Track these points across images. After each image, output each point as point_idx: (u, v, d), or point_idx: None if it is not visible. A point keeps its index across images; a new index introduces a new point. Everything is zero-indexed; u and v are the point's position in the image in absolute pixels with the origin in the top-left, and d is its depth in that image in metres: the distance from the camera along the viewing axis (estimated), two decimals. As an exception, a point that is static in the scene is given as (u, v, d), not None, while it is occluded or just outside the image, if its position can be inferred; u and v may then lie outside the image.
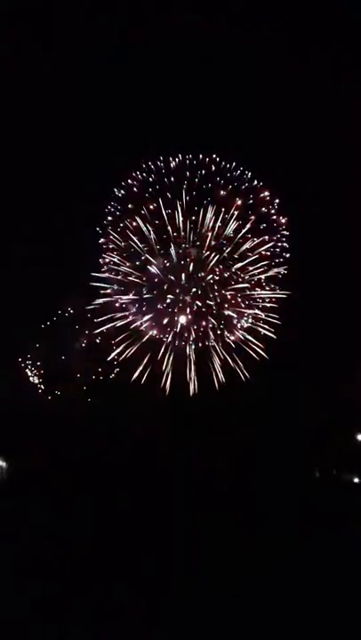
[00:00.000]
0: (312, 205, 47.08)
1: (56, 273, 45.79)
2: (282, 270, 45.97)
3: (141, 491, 32.14)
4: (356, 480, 39.55)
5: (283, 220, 46.37)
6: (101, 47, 45.23)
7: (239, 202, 44.59)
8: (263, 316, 45.82)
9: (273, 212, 46.52)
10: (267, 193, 46.27)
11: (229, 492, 33.57)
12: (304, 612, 19.73)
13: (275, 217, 46.54)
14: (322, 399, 43.76)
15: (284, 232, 46.31)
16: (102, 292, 45.88)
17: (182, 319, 44.15)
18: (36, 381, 48.84)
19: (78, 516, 28.85)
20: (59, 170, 46.83)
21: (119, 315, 45.54)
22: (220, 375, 44.81)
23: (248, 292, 45.71)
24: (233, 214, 44.84)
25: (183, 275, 44.87)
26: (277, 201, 46.44)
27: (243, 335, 45.08)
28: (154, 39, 45.06)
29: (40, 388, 48.66)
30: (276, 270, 45.82)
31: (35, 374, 48.93)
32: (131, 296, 45.56)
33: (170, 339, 45.17)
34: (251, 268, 45.21)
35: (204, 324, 44.22)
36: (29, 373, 48.75)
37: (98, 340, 46.88)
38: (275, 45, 44.86)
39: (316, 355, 44.85)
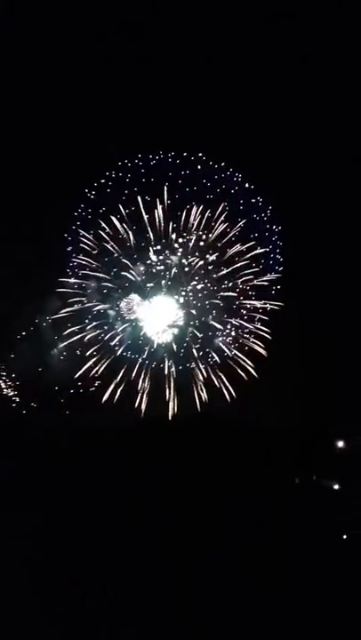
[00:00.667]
0: (307, 215, 45.52)
1: (34, 278, 43.91)
2: (272, 277, 43.96)
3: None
4: (336, 486, 39.33)
5: (275, 229, 44.16)
6: (84, 39, 43.99)
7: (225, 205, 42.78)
8: (252, 329, 43.50)
9: (265, 219, 44.24)
10: (259, 198, 43.99)
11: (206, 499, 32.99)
12: (287, 618, 19.26)
13: (267, 225, 44.21)
14: (302, 406, 43.72)
15: (277, 242, 44.32)
16: (71, 300, 43.36)
17: (163, 337, 41.55)
18: (10, 394, 46.66)
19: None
20: (28, 170, 45.00)
21: (92, 325, 43.44)
22: (204, 395, 42.47)
23: (236, 302, 43.28)
24: (219, 218, 42.77)
25: (163, 282, 42.60)
26: (270, 208, 44.33)
27: (229, 350, 42.72)
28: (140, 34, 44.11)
29: (15, 401, 46.36)
30: (265, 279, 43.77)
31: (9, 386, 46.74)
32: (103, 305, 43.64)
33: (145, 356, 42.56)
34: (237, 276, 43.13)
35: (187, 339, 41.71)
36: (3, 385, 46.51)
37: (78, 352, 44.27)
38: (269, 41, 43.90)
39: (298, 361, 44.60)
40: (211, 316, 43.71)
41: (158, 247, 42.44)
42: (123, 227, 43.26)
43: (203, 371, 43.05)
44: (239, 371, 43.13)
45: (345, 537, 30.21)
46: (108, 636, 17.88)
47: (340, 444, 43.41)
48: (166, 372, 43.23)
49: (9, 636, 17.27)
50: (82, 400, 43.87)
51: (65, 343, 43.52)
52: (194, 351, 43.76)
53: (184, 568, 23.28)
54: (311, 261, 45.44)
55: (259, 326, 43.81)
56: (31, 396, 45.34)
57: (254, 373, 42.91)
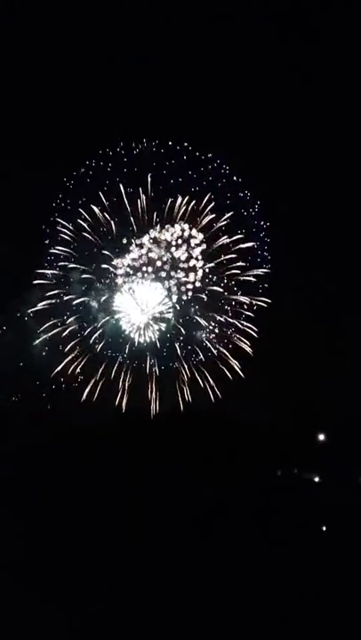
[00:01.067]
0: (295, 210, 44.98)
1: (11, 270, 42.83)
2: (259, 272, 43.06)
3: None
4: (316, 479, 39.91)
5: (263, 225, 43.03)
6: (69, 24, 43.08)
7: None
8: (238, 326, 42.74)
9: (253, 214, 43.10)
10: (246, 192, 42.81)
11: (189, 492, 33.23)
12: (271, 613, 19.50)
13: (255, 221, 43.19)
14: (284, 400, 44.05)
15: (265, 238, 43.14)
16: (51, 292, 42.03)
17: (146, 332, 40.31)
18: None
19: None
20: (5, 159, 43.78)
21: (72, 318, 42.51)
22: (187, 394, 41.60)
23: (221, 299, 42.39)
24: (205, 210, 41.84)
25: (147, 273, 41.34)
26: (258, 202, 43.27)
27: (213, 348, 41.84)
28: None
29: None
30: (252, 274, 43.02)
31: None
32: (84, 298, 42.29)
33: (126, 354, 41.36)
34: (223, 270, 42.25)
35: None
36: None
37: (60, 347, 43.07)
38: (260, 32, 43.24)
39: (281, 356, 44.77)
40: (194, 310, 42.99)
41: (142, 239, 41.37)
42: (104, 217, 42.19)
43: (186, 370, 42.39)
44: (224, 369, 42.70)
45: (324, 528, 30.71)
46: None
47: (321, 437, 43.97)
48: (148, 372, 42.35)
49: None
50: (63, 396, 42.74)
51: (43, 337, 42.26)
52: (177, 348, 43.01)
53: (172, 561, 23.44)
54: (299, 258, 45.50)
55: (245, 323, 43.22)
56: (11, 391, 44.05)
57: (240, 372, 42.48)
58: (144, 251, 42.09)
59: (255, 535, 26.95)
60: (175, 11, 42.97)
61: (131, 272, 42.76)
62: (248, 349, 42.91)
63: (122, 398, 42.16)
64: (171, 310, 43.14)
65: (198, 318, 43.15)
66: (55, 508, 28.94)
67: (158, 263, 42.57)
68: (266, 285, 43.20)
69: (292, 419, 44.01)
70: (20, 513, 28.31)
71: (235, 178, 42.98)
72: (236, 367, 43.05)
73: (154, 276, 42.27)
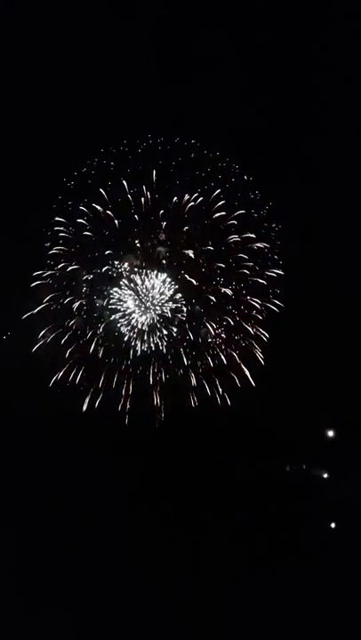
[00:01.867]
0: (308, 213, 44.09)
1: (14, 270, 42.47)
2: (271, 273, 41.73)
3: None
4: (325, 475, 39.81)
5: (275, 227, 41.69)
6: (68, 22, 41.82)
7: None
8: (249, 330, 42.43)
9: (264, 215, 41.71)
10: (257, 192, 41.58)
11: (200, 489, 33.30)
12: (280, 607, 19.53)
13: (265, 223, 42.02)
14: (293, 396, 43.84)
15: (276, 241, 41.83)
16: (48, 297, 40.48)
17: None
18: None
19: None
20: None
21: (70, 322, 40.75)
22: (194, 400, 41.21)
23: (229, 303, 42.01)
24: (213, 207, 41.48)
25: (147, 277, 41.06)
26: (270, 204, 41.81)
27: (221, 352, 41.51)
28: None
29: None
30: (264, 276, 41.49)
31: None
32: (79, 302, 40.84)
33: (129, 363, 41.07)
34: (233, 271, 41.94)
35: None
36: None
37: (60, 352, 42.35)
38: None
39: (290, 355, 44.46)
40: (200, 311, 42.70)
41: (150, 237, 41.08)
42: (107, 216, 41.79)
43: (193, 377, 41.97)
44: (234, 376, 42.31)
45: (333, 525, 30.68)
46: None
47: (330, 433, 43.78)
48: (152, 381, 41.83)
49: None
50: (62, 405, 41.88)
51: (42, 342, 41.56)
52: (183, 355, 42.74)
53: (179, 557, 23.52)
54: (311, 262, 44.86)
55: (256, 327, 43.00)
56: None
57: (251, 380, 42.13)
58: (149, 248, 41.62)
59: (263, 530, 26.99)
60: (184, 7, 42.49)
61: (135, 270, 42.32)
62: (259, 354, 42.62)
63: (124, 406, 41.48)
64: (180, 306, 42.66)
65: (207, 322, 42.68)
66: (56, 519, 28.84)
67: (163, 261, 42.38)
68: (277, 291, 42.80)
69: (300, 415, 43.89)
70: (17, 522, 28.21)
71: (245, 177, 42.22)
72: (245, 372, 42.60)
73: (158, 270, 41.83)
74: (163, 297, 42.37)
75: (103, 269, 41.69)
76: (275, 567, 22.90)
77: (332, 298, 43.66)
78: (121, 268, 41.90)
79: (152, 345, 41.55)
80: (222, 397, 41.63)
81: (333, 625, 18.12)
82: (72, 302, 41.20)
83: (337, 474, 38.68)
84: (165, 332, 41.82)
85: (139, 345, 41.51)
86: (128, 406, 40.58)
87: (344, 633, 17.71)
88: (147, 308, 42.14)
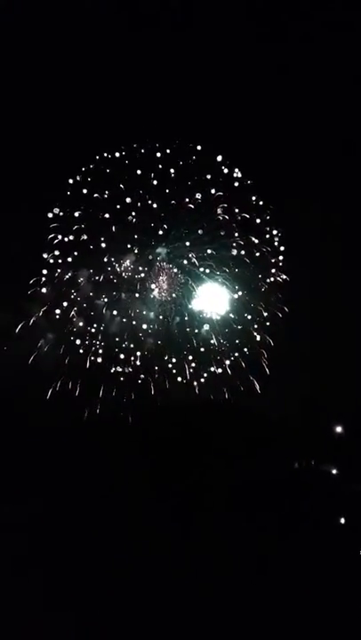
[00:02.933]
0: (310, 218, 44.14)
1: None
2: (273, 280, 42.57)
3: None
4: (334, 471, 39.95)
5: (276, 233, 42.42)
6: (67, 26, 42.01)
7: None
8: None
9: (266, 220, 42.44)
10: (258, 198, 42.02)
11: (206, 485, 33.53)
12: (289, 605, 19.74)
13: (267, 227, 42.64)
14: (301, 391, 43.97)
15: (279, 247, 42.54)
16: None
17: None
18: None
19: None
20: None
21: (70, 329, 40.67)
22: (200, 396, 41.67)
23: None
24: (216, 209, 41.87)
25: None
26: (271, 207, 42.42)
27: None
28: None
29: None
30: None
31: None
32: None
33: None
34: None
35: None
36: None
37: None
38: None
39: (297, 347, 44.59)
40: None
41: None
42: (104, 219, 41.57)
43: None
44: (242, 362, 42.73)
45: (343, 520, 30.85)
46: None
47: (339, 429, 43.87)
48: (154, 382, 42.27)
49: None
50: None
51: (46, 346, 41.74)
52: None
53: (184, 554, 23.73)
54: (313, 267, 44.96)
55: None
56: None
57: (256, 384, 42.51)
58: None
59: (273, 527, 27.18)
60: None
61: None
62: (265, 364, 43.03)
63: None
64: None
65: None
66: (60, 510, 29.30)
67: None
68: (280, 295, 43.28)
69: (308, 410, 44.02)
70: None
71: (247, 182, 42.64)
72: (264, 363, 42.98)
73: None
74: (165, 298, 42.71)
75: (103, 275, 41.97)
76: (284, 562, 23.12)
77: (340, 294, 43.79)
78: (122, 269, 42.03)
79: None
80: (230, 394, 42.12)
81: (344, 620, 18.37)
82: (71, 309, 41.56)
83: (346, 469, 38.85)
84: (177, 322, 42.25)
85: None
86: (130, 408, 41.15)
87: (355, 628, 17.94)
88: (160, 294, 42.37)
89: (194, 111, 43.07)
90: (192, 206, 41.85)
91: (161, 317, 42.14)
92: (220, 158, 42.34)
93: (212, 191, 41.70)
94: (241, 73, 43.08)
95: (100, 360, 41.02)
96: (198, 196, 41.57)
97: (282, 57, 42.87)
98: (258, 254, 42.43)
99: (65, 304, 41.29)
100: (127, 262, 41.99)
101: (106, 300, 41.68)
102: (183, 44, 42.64)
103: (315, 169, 43.96)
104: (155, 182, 41.88)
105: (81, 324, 41.33)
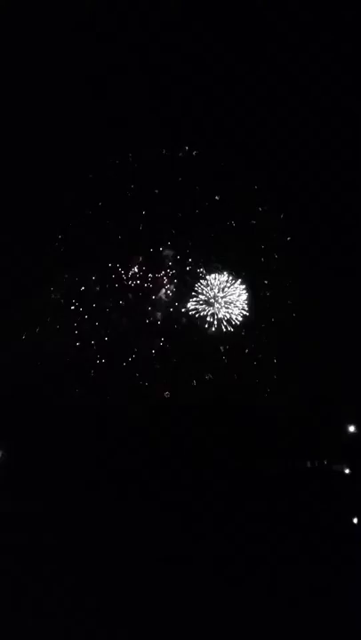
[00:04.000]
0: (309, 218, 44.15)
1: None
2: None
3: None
4: (346, 471, 39.50)
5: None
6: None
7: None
8: None
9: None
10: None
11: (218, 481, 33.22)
12: (302, 603, 19.25)
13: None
14: (313, 390, 43.59)
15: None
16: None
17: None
18: None
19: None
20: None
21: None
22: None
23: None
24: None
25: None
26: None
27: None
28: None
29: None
30: None
31: None
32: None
33: None
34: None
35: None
36: None
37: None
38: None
39: (308, 345, 44.34)
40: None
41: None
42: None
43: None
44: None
45: (356, 520, 30.34)
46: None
47: (351, 428, 43.42)
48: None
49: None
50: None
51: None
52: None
53: (185, 553, 23.42)
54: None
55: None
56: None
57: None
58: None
59: (284, 527, 26.81)
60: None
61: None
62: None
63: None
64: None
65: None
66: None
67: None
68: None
69: (321, 409, 43.64)
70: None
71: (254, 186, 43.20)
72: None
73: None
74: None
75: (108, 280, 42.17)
76: (295, 562, 22.69)
77: (350, 293, 43.43)
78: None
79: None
80: (241, 393, 41.86)
81: (356, 621, 17.84)
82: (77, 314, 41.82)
83: (358, 469, 38.41)
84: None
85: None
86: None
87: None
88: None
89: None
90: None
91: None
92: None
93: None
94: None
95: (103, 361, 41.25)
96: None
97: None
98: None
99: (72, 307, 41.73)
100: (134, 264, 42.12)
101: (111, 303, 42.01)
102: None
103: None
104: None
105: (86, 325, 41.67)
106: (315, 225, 43.48)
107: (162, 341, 41.80)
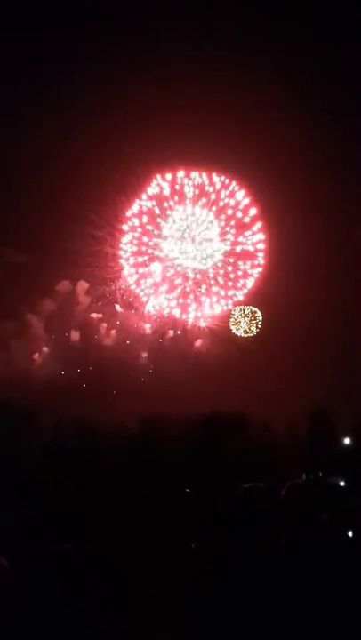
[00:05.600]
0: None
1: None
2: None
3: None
4: (342, 483, 39.32)
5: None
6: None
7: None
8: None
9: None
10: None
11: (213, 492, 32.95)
12: (294, 616, 19.04)
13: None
14: (309, 401, 43.69)
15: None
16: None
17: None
18: None
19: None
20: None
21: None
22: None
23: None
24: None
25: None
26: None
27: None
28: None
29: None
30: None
31: None
32: None
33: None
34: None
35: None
36: None
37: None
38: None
39: (303, 356, 44.57)
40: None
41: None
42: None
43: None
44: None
45: (351, 534, 30.04)
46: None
47: (347, 440, 43.42)
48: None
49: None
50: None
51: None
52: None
53: (183, 561, 23.17)
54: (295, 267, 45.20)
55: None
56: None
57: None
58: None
59: (278, 538, 26.49)
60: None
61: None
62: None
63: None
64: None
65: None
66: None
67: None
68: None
69: (317, 422, 43.65)
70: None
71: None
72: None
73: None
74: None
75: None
76: (290, 575, 22.38)
77: (345, 302, 43.69)
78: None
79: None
80: (236, 403, 41.86)
81: (349, 635, 17.61)
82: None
83: (353, 482, 38.23)
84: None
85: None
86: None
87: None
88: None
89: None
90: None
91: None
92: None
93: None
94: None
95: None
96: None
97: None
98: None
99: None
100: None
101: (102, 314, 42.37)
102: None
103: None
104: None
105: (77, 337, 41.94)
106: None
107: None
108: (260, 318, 42.14)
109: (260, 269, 44.77)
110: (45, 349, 42.64)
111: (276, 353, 44.33)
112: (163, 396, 42.15)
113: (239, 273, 44.46)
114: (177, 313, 43.16)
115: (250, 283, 44.74)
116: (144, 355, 42.30)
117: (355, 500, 35.67)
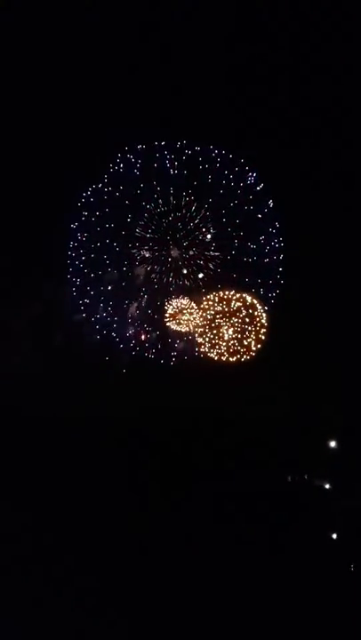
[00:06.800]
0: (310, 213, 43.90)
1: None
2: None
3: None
4: (327, 486, 39.74)
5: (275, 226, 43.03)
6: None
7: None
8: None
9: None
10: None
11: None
12: (279, 618, 19.55)
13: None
14: (295, 405, 43.84)
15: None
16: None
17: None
18: None
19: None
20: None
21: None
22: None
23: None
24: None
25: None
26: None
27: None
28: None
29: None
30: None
31: None
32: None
33: None
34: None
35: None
36: None
37: None
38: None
39: (289, 362, 44.53)
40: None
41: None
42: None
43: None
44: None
45: (335, 536, 30.65)
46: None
47: (333, 443, 43.68)
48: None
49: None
50: None
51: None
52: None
53: (175, 567, 23.53)
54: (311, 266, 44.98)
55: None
56: None
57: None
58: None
59: (263, 542, 26.94)
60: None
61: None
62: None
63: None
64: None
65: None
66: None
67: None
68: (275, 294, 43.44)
69: (302, 424, 43.84)
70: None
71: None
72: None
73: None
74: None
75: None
76: (274, 577, 22.89)
77: (334, 306, 43.94)
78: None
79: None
80: (223, 405, 41.96)
81: (335, 635, 18.16)
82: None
83: (338, 484, 38.66)
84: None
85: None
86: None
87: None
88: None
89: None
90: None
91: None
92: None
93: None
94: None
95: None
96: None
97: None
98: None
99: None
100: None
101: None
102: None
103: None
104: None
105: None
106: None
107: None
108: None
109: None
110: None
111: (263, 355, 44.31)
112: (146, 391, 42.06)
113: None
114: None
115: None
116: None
117: (340, 503, 36.25)
